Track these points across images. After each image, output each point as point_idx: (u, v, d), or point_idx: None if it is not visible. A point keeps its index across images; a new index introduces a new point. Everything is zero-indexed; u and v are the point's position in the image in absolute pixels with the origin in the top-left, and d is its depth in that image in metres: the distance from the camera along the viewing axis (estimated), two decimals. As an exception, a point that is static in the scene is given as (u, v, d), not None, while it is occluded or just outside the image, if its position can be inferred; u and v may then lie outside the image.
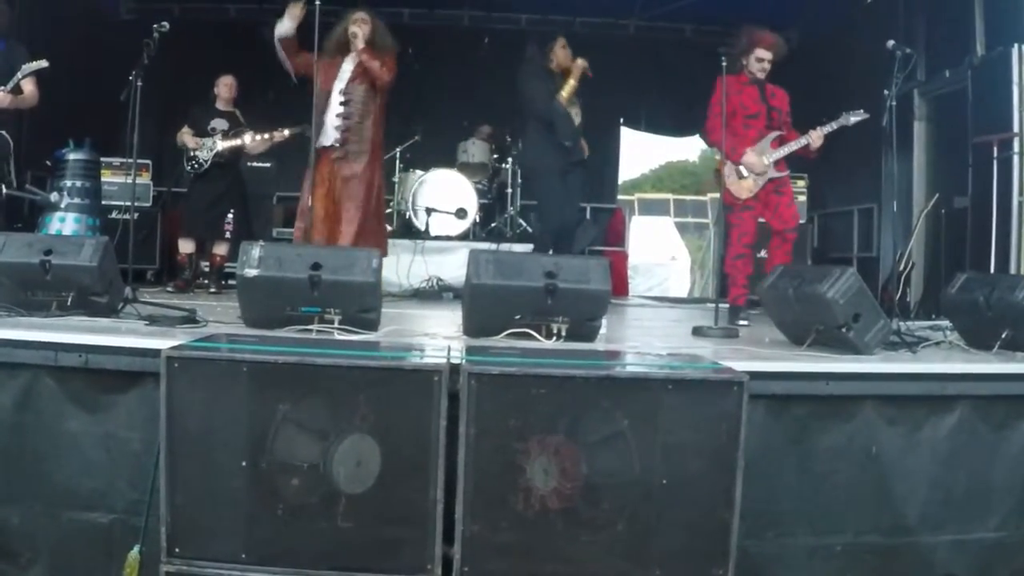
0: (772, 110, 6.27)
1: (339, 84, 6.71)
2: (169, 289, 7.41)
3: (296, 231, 6.77)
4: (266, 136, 7.64)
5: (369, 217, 6.78)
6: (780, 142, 6.21)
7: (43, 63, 6.09)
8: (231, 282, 8.29)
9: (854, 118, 6.11)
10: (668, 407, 3.07)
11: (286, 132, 7.64)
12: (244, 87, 7.98)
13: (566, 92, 7.09)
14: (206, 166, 7.59)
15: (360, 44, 6.65)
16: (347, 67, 6.75)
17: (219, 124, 7.74)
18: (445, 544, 3.01)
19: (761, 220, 6.30)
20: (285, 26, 6.60)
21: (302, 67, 6.67)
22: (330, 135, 6.67)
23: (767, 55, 6.23)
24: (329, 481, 3.01)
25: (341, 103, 6.67)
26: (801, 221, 7.58)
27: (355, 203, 6.71)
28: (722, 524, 3.07)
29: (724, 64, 5.38)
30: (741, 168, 6.13)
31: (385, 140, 7.04)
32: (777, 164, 6.20)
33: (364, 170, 6.76)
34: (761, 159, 6.12)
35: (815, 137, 6.15)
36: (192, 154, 7.58)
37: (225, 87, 7.87)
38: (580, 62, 7.18)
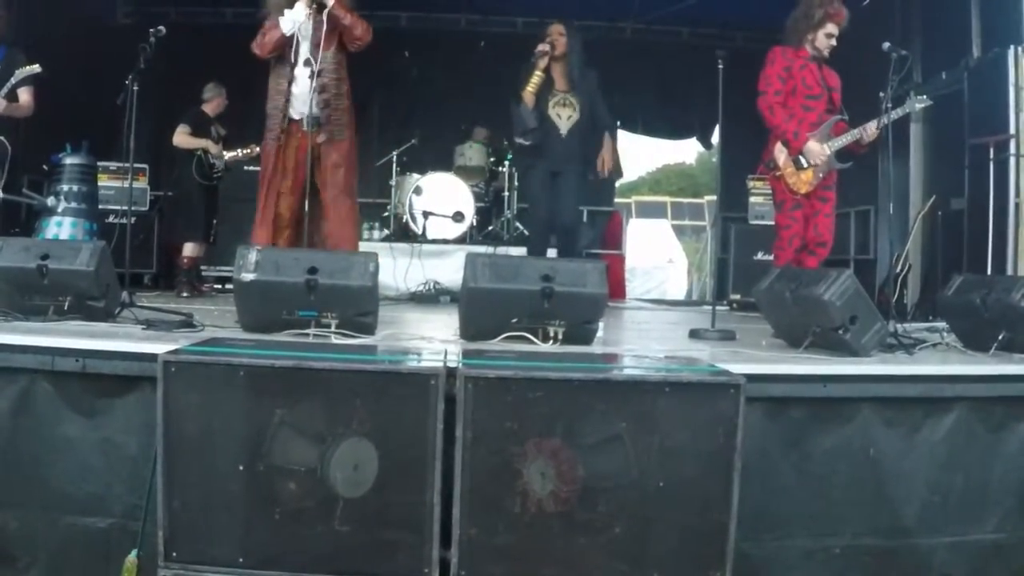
0: (831, 90, 5.80)
1: (301, 51, 5.85)
2: (185, 295, 7.38)
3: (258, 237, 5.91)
4: (246, 151, 7.78)
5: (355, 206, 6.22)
6: (841, 128, 5.73)
7: (36, 68, 6.09)
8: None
9: (919, 104, 5.80)
10: (665, 410, 3.06)
11: (255, 149, 7.73)
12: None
13: (530, 87, 6.94)
14: (221, 173, 7.70)
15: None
16: (303, 29, 5.83)
17: (218, 130, 7.81)
18: (442, 548, 3.01)
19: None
20: (299, 12, 5.76)
21: (271, 45, 5.87)
22: (297, 107, 5.89)
23: (836, 31, 5.72)
24: (326, 485, 3.01)
25: (313, 75, 5.81)
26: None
27: (347, 195, 6.07)
28: (720, 527, 3.07)
29: (721, 67, 5.13)
30: (800, 158, 5.65)
31: (382, 144, 6.94)
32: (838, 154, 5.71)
33: (349, 152, 6.09)
34: (823, 147, 5.63)
35: (870, 131, 5.61)
36: (212, 161, 7.65)
37: (223, 100, 7.94)
38: (537, 48, 6.99)
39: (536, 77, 6.94)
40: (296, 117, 5.93)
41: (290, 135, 5.97)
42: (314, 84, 5.84)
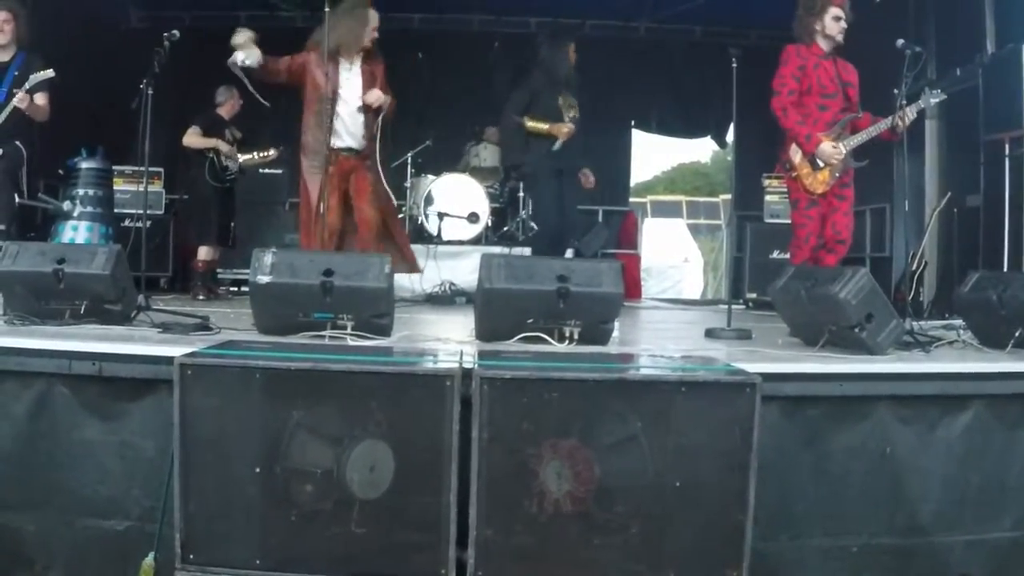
0: (847, 86, 5.70)
1: (351, 97, 6.49)
2: (200, 298, 7.43)
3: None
4: (263, 154, 7.82)
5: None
6: (857, 126, 5.66)
7: (50, 72, 6.12)
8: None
9: (934, 99, 5.69)
10: (681, 409, 3.07)
11: (271, 152, 7.75)
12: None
13: (532, 129, 7.31)
14: (235, 175, 7.72)
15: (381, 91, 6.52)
16: (353, 78, 6.53)
17: (232, 133, 7.82)
18: (459, 548, 3.02)
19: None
20: (252, 58, 6.20)
21: (297, 73, 6.41)
22: (345, 139, 6.50)
23: (842, 13, 5.60)
24: (343, 487, 3.02)
25: (360, 113, 6.50)
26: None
27: (394, 215, 6.76)
28: (736, 526, 3.07)
29: (735, 65, 5.06)
30: (816, 158, 5.58)
31: (396, 145, 7.01)
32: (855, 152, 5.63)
33: (380, 177, 6.69)
34: (838, 147, 5.56)
35: (907, 117, 5.45)
36: (224, 163, 7.67)
37: (236, 101, 7.95)
38: (564, 129, 7.25)
39: (542, 129, 7.29)
40: (337, 146, 6.47)
41: (329, 162, 6.41)
42: (363, 120, 6.52)
